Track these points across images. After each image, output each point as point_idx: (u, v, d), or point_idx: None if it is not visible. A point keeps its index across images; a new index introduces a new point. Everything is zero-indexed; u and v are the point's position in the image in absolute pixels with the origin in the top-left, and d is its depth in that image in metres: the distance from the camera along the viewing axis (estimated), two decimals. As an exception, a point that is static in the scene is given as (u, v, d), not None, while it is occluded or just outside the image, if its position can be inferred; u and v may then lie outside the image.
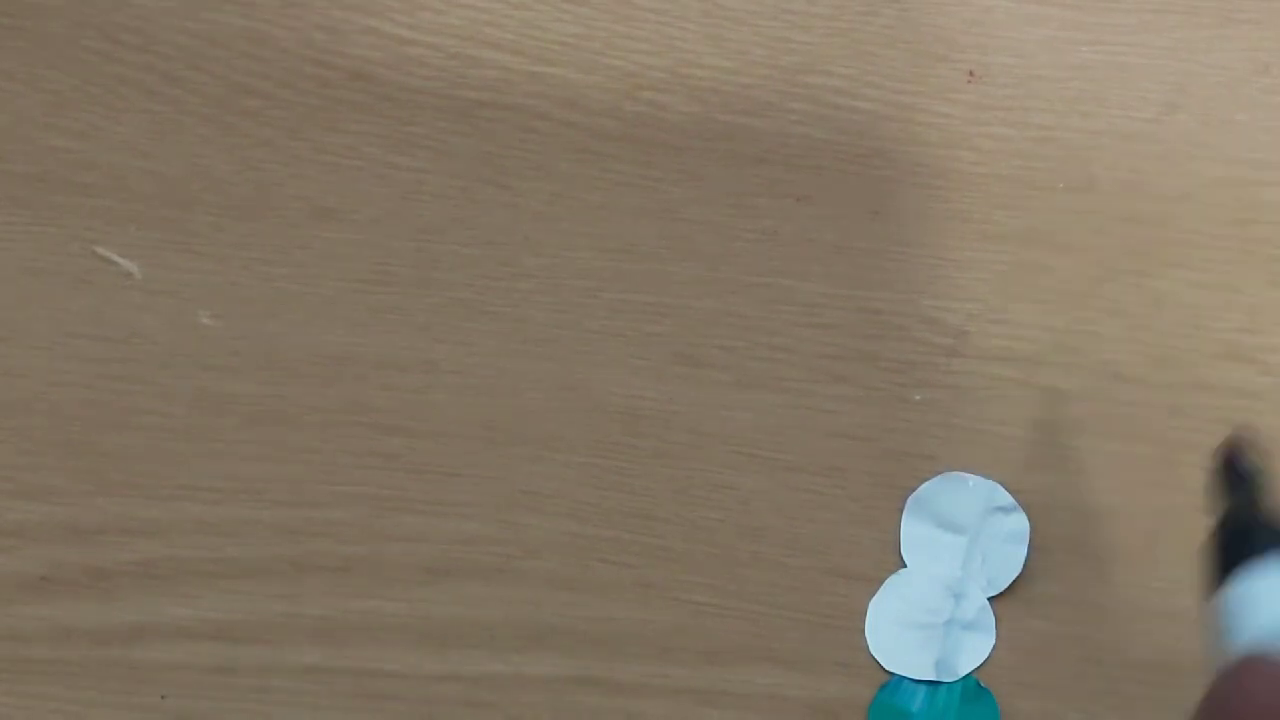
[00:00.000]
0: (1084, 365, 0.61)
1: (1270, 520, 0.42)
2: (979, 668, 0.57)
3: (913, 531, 0.59)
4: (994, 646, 0.57)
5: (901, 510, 0.59)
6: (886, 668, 0.57)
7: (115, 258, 0.63)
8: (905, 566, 0.58)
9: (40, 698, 0.56)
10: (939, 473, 0.59)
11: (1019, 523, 0.59)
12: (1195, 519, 0.59)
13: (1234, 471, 0.46)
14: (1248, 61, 0.65)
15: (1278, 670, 0.34)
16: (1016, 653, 0.57)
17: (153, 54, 0.66)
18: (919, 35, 0.66)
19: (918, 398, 0.61)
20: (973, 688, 0.56)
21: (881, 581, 0.58)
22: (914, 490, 0.59)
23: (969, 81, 0.66)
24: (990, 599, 0.58)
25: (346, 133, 0.65)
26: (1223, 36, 0.65)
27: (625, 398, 0.61)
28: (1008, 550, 0.58)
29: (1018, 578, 0.58)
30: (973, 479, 0.59)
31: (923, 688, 0.56)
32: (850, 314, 0.62)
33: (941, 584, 0.58)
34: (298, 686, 0.56)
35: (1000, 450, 0.60)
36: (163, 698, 0.56)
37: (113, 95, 0.65)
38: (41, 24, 0.66)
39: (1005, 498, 0.59)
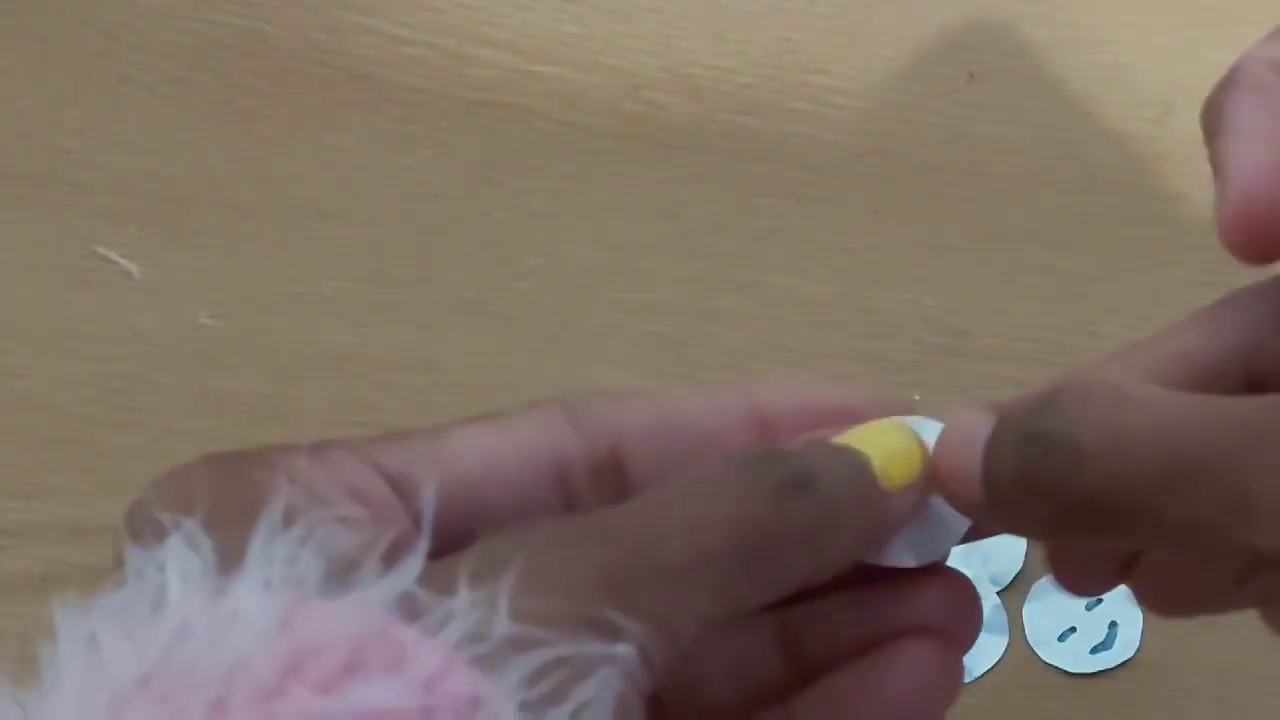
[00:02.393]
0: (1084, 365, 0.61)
1: None
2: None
3: (912, 531, 0.58)
4: (1007, 646, 0.57)
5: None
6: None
7: (115, 257, 0.63)
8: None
9: (40, 697, 0.56)
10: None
11: (1019, 521, 0.59)
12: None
13: None
14: (1248, 61, 0.65)
15: None
16: (1019, 651, 0.57)
17: (153, 53, 0.66)
18: (919, 35, 0.66)
19: (917, 398, 0.60)
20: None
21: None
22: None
23: (968, 81, 0.66)
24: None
25: (346, 132, 0.65)
26: (1223, 36, 0.65)
27: (625, 397, 0.60)
28: (1007, 546, 0.58)
29: (1019, 573, 0.58)
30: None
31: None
32: (850, 313, 0.62)
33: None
34: (298, 686, 0.56)
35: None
36: (163, 697, 0.56)
37: (114, 95, 0.65)
38: (42, 23, 0.66)
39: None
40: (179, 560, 0.26)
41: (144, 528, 0.28)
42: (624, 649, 0.26)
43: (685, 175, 0.64)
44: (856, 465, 0.31)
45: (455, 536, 0.30)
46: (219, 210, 0.64)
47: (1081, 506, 0.29)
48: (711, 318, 0.62)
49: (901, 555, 0.33)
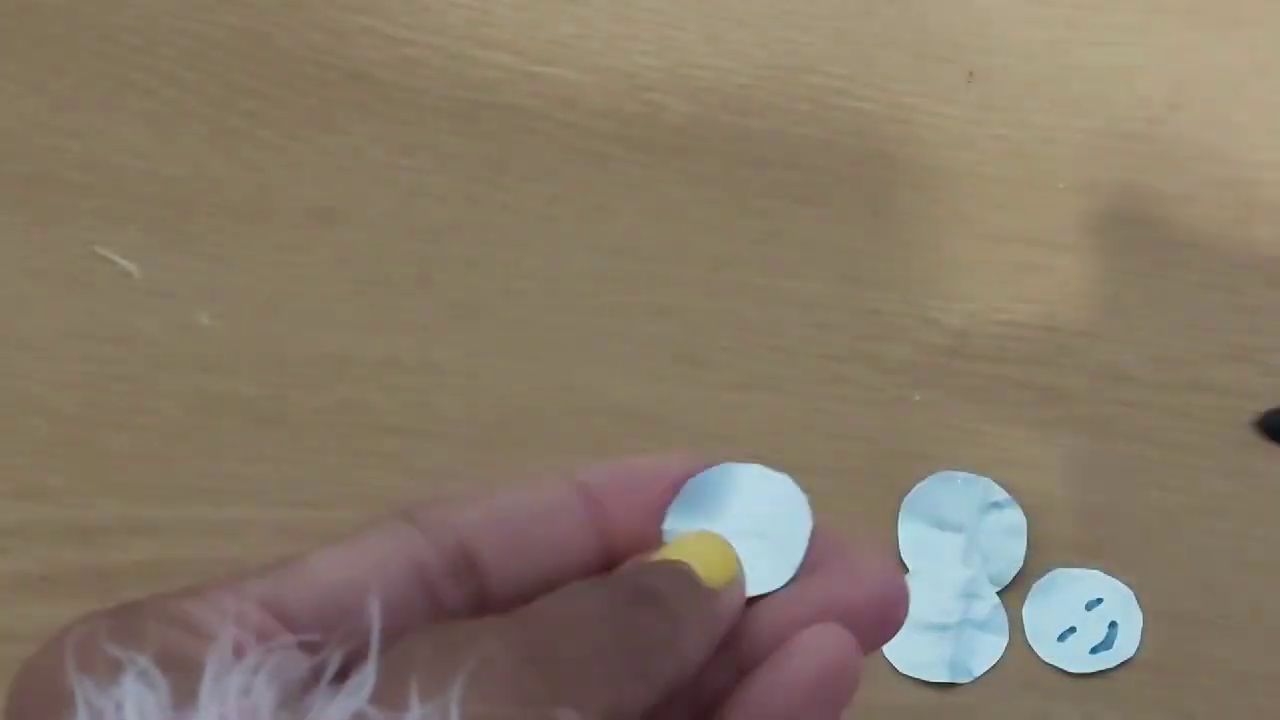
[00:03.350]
0: (1084, 365, 0.61)
1: None
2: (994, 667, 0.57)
3: (910, 534, 0.58)
4: (1007, 646, 0.57)
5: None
6: (900, 669, 0.57)
7: (115, 258, 0.63)
8: (906, 570, 0.58)
9: (39, 698, 0.56)
10: (941, 473, 0.59)
11: (1015, 517, 0.59)
12: (1195, 519, 0.59)
13: None
14: (1248, 62, 0.65)
15: None
16: (1019, 651, 0.57)
17: (152, 55, 0.66)
18: (919, 36, 0.66)
19: (918, 398, 0.60)
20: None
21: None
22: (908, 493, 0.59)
23: (969, 82, 0.66)
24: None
25: (346, 133, 0.65)
26: (1223, 37, 0.65)
27: (625, 398, 0.60)
28: (1007, 545, 0.58)
29: (1019, 573, 0.58)
30: (963, 477, 0.59)
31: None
32: (850, 314, 0.62)
33: (953, 585, 0.58)
34: (297, 687, 0.56)
35: (1000, 450, 0.60)
36: (162, 698, 0.56)
37: (112, 96, 0.65)
38: (42, 25, 0.66)
39: (999, 493, 0.59)
40: (136, 699, 0.27)
41: (93, 663, 0.28)
42: None
43: (685, 176, 0.64)
44: (685, 572, 0.34)
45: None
46: (219, 211, 0.63)
47: None
48: (711, 319, 0.62)
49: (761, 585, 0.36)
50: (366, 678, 0.27)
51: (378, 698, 0.26)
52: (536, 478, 0.36)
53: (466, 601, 0.34)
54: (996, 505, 0.59)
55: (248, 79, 0.65)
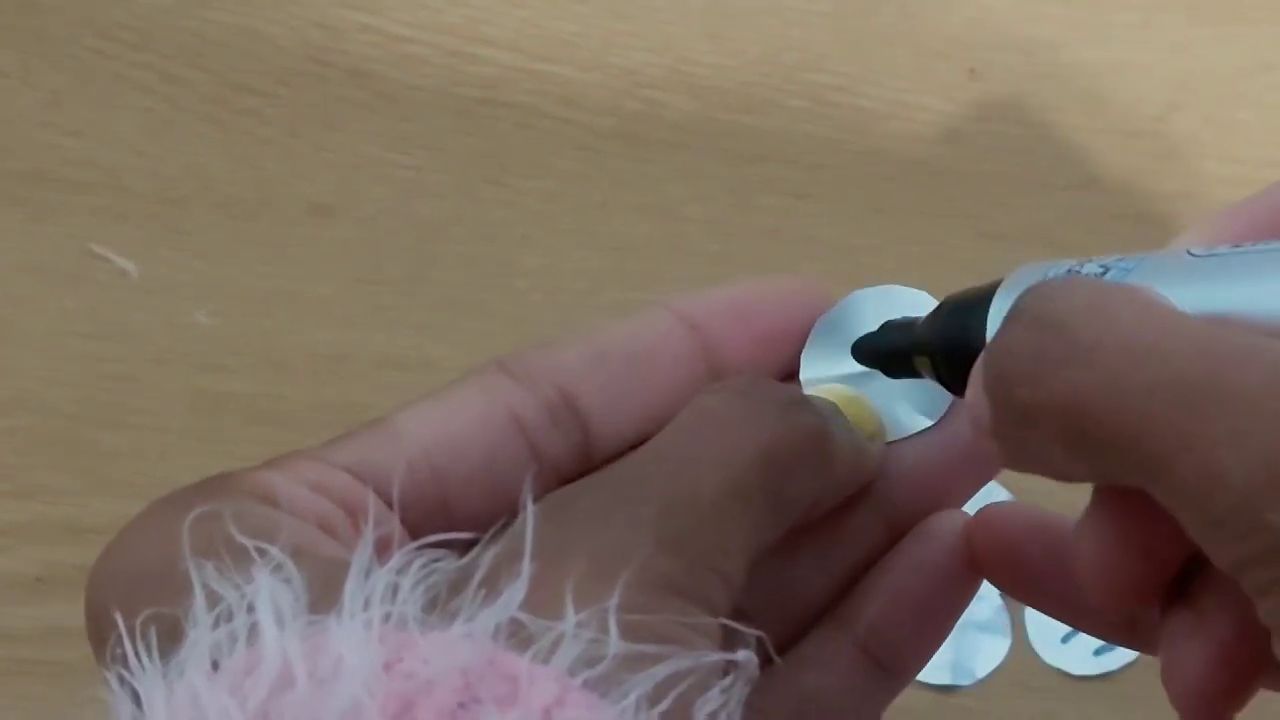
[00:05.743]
0: (1085, 365, 0.61)
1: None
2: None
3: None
4: (1010, 648, 0.57)
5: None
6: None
7: (112, 256, 0.62)
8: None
9: (34, 698, 0.56)
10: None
11: (1020, 521, 0.58)
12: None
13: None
14: (1250, 60, 0.65)
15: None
16: (1018, 653, 0.57)
17: (150, 52, 0.66)
18: (920, 33, 0.66)
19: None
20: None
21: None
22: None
23: (970, 79, 0.65)
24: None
25: (344, 131, 0.65)
26: (1225, 35, 0.65)
27: (624, 397, 0.60)
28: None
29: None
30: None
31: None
32: (850, 313, 0.62)
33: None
34: (295, 687, 0.56)
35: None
36: (159, 698, 0.56)
37: (110, 93, 0.65)
38: (39, 22, 0.66)
39: (1002, 493, 0.59)
40: (270, 595, 0.24)
41: (219, 552, 0.26)
42: (745, 655, 0.25)
43: (685, 173, 0.64)
44: (832, 404, 0.33)
45: (429, 512, 0.30)
46: (216, 209, 0.63)
47: (1074, 412, 0.27)
48: (711, 317, 0.62)
49: (917, 422, 0.34)
50: (521, 584, 0.24)
51: (529, 602, 0.24)
52: (637, 314, 0.34)
53: (570, 452, 0.32)
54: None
55: (245, 76, 0.65)
